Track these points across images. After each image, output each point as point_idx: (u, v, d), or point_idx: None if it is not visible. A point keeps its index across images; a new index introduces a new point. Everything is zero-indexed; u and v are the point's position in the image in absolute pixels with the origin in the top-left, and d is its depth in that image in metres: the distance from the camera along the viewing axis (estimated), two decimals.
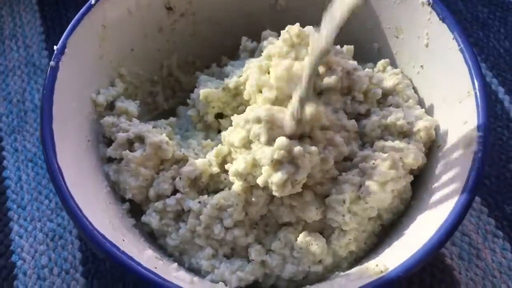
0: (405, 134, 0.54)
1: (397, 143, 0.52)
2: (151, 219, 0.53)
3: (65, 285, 0.59)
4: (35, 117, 0.72)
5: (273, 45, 0.57)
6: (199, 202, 0.52)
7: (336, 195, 0.50)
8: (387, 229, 0.54)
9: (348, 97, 0.55)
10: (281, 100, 0.53)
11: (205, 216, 0.51)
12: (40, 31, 0.80)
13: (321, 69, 0.54)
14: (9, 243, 0.62)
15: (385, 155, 0.50)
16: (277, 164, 0.48)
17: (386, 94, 0.57)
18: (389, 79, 0.57)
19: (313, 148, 0.49)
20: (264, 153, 0.48)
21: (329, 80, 0.53)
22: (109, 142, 0.55)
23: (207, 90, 0.58)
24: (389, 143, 0.52)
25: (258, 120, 0.50)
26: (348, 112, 0.55)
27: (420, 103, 0.57)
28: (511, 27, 0.78)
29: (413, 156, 0.51)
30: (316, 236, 0.51)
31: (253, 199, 0.51)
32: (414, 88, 0.59)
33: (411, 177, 0.52)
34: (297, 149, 0.48)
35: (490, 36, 0.78)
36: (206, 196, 0.53)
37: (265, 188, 0.50)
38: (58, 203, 0.65)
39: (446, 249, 0.61)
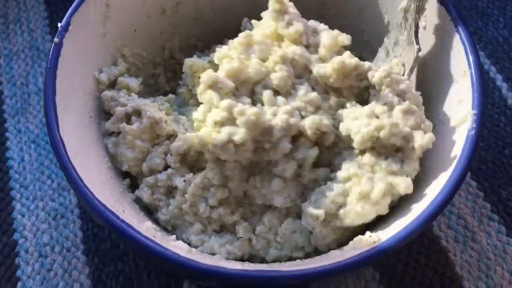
0: (399, 149, 0.50)
1: (390, 167, 0.49)
2: (143, 193, 0.54)
3: (66, 262, 0.60)
4: (38, 99, 0.73)
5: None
6: (184, 180, 0.53)
7: (314, 208, 0.49)
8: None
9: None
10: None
11: (189, 194, 0.52)
12: (44, 16, 0.81)
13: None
14: (11, 221, 0.63)
15: (376, 182, 0.48)
16: (218, 126, 0.49)
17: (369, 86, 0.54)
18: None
19: (254, 109, 0.49)
20: (209, 116, 0.50)
21: (288, 31, 0.53)
22: (110, 117, 0.56)
23: (191, 60, 0.59)
24: (381, 165, 0.49)
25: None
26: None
27: (418, 85, 0.58)
28: (510, 16, 0.79)
29: (404, 186, 0.48)
30: (300, 224, 0.51)
31: (227, 172, 0.51)
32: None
33: (388, 201, 0.48)
34: (237, 108, 0.48)
35: (489, 25, 0.78)
36: (191, 174, 0.53)
37: (237, 161, 0.50)
38: (60, 183, 0.66)
39: (442, 232, 0.62)
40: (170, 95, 0.62)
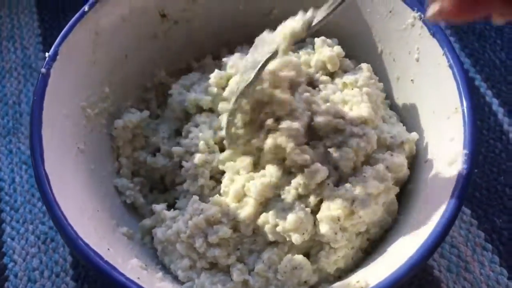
0: (389, 147, 0.54)
1: (381, 155, 0.53)
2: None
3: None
4: None
5: None
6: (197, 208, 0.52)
7: (329, 211, 0.49)
8: (373, 245, 0.54)
9: None
10: None
11: (193, 223, 0.51)
12: (38, 33, 0.81)
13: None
14: (1, 245, 0.63)
15: (374, 167, 0.51)
16: None
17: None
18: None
19: None
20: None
21: None
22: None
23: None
24: (373, 155, 0.53)
25: None
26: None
27: (412, 118, 0.58)
28: (507, 39, 0.78)
29: (397, 163, 0.51)
30: (301, 260, 0.50)
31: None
32: (403, 102, 0.59)
33: (397, 189, 0.52)
34: None
35: (486, 47, 0.78)
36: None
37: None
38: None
39: (434, 261, 0.61)
40: None
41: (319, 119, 0.52)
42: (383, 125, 0.55)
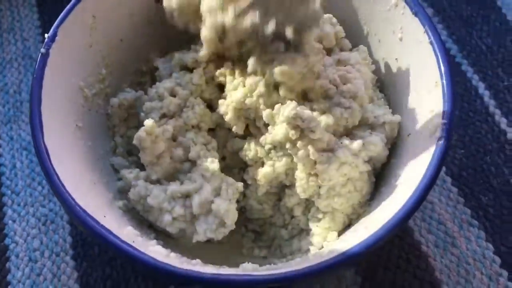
0: (371, 126, 0.56)
1: (361, 133, 0.54)
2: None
3: (55, 267, 0.62)
4: None
5: None
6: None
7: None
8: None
9: None
10: None
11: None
12: (37, 25, 0.83)
13: None
14: (2, 227, 0.65)
15: (346, 146, 0.52)
16: None
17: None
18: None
19: None
20: None
21: None
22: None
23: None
24: (354, 132, 0.55)
25: None
26: None
27: (396, 95, 0.60)
28: (493, 25, 0.80)
29: (373, 142, 0.53)
30: None
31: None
32: (389, 81, 0.61)
33: (364, 167, 0.53)
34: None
35: (473, 34, 0.80)
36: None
37: None
38: (50, 190, 0.67)
39: (422, 237, 0.63)
40: None
41: (319, 80, 0.54)
42: (369, 105, 0.57)
